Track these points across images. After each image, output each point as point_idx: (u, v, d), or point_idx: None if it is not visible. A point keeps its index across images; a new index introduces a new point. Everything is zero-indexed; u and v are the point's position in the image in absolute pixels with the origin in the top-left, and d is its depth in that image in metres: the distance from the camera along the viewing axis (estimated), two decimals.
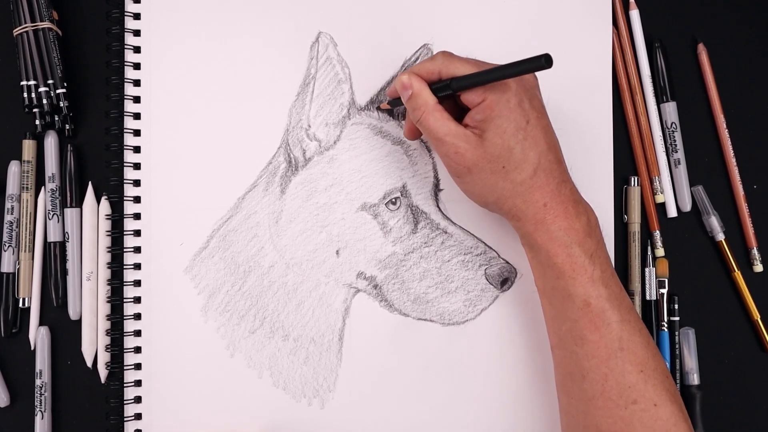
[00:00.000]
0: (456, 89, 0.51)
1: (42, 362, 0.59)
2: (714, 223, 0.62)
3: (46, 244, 0.60)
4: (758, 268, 0.62)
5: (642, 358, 0.50)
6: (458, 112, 0.53)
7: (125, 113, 0.60)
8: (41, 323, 0.60)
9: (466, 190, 0.54)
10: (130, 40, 0.60)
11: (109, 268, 0.59)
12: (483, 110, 0.51)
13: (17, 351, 0.60)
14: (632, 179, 0.62)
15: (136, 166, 0.60)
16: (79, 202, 0.60)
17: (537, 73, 0.61)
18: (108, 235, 0.60)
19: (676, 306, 0.61)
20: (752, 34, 0.64)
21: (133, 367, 0.59)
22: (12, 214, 0.60)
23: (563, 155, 0.54)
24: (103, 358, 0.59)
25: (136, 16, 0.60)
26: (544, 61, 0.47)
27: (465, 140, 0.51)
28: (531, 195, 0.51)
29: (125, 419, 0.59)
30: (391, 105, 0.59)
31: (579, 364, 0.51)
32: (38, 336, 0.59)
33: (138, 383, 0.59)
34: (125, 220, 0.60)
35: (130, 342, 0.59)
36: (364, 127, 0.60)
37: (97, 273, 0.60)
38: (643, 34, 0.62)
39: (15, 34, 0.59)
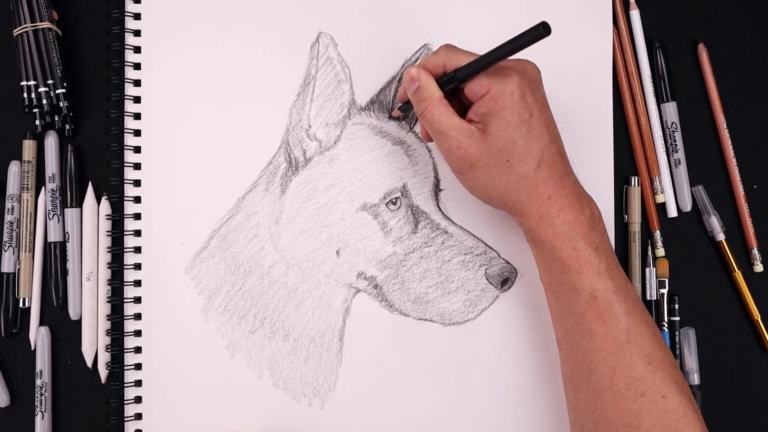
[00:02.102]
0: (461, 79, 0.51)
1: (42, 362, 0.59)
2: (714, 223, 0.62)
3: (47, 244, 0.60)
4: (758, 268, 0.62)
5: (649, 350, 0.50)
6: (463, 112, 0.53)
7: (125, 113, 0.59)
8: (41, 323, 0.60)
9: (469, 187, 0.54)
10: (130, 40, 0.60)
11: (109, 268, 0.59)
12: (487, 102, 0.51)
13: (17, 351, 0.60)
14: (632, 179, 0.62)
15: (137, 166, 0.60)
16: (79, 202, 0.60)
17: (540, 69, 0.61)
18: (108, 235, 0.60)
19: (677, 306, 0.61)
20: (752, 34, 0.64)
21: (133, 367, 0.59)
22: (12, 214, 0.60)
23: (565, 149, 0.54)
24: (104, 358, 0.59)
25: (137, 16, 0.60)
26: (542, 29, 0.46)
27: (468, 135, 0.51)
28: (535, 188, 0.51)
29: (125, 419, 0.59)
30: (402, 110, 0.58)
31: (587, 358, 0.51)
32: (38, 336, 0.59)
33: (138, 383, 0.59)
34: (125, 220, 0.60)
35: (130, 342, 0.59)
36: (364, 127, 0.60)
37: (97, 273, 0.60)
38: (643, 34, 0.62)
39: (15, 34, 0.59)
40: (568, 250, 0.51)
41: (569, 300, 0.51)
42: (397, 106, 0.59)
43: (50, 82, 0.59)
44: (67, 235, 0.60)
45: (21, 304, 0.60)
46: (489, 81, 0.50)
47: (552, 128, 0.52)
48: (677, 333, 0.61)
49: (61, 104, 0.59)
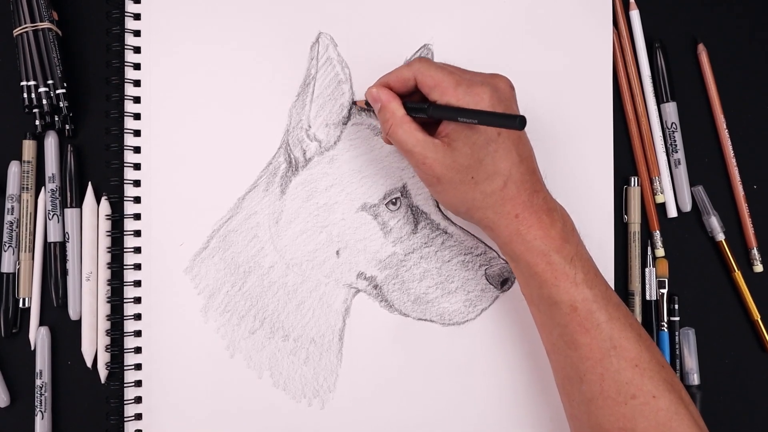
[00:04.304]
0: (431, 116, 0.51)
1: (42, 362, 0.59)
2: (714, 223, 0.62)
3: (46, 245, 0.60)
4: (758, 268, 0.62)
5: (635, 353, 0.50)
6: (433, 122, 0.53)
7: (125, 113, 0.59)
8: (41, 323, 0.60)
9: (439, 199, 0.55)
10: (130, 40, 0.60)
11: (109, 268, 0.59)
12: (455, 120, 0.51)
13: (17, 351, 0.60)
14: (632, 179, 0.62)
15: (136, 167, 0.60)
16: (79, 203, 0.60)
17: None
18: (108, 236, 0.60)
19: (676, 306, 0.61)
20: (752, 34, 0.64)
21: (133, 367, 0.59)
22: (12, 214, 0.60)
23: (538, 165, 0.54)
24: (103, 358, 0.59)
25: (136, 17, 0.60)
26: (518, 123, 0.47)
27: (433, 151, 0.51)
28: (502, 206, 0.51)
29: (125, 419, 0.59)
30: (367, 106, 0.58)
31: (575, 368, 0.51)
32: (38, 336, 0.59)
33: (138, 383, 0.59)
34: (125, 220, 0.60)
35: (130, 342, 0.59)
36: (364, 127, 0.60)
37: (97, 273, 0.60)
38: (643, 34, 0.62)
39: (15, 34, 0.59)
40: (543, 265, 0.51)
41: (551, 313, 0.52)
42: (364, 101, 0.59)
43: (50, 82, 0.59)
44: (66, 236, 0.60)
45: (21, 304, 0.60)
46: (458, 98, 0.50)
47: (522, 146, 0.52)
48: (677, 333, 0.61)
49: (61, 104, 0.59)
